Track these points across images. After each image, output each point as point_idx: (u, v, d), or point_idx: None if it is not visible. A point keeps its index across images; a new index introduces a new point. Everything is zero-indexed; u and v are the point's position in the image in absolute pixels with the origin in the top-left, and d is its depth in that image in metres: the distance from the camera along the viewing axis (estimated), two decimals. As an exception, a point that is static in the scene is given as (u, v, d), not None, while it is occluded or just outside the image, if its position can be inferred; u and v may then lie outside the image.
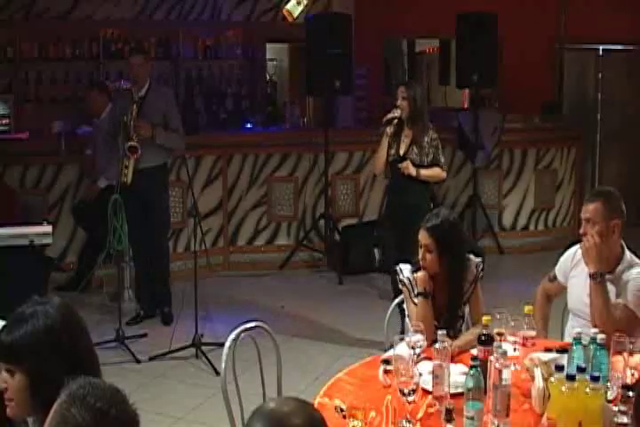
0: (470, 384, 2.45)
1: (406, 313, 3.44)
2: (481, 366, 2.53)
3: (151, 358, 5.10)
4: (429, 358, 2.85)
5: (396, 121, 5.46)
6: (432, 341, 2.92)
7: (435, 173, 5.48)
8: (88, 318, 5.72)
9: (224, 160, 7.09)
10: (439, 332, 2.78)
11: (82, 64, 8.01)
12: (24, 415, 2.10)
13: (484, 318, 2.86)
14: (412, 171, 5.40)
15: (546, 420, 2.41)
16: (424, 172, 5.43)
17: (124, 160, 5.47)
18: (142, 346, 5.28)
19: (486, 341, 2.76)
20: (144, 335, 5.49)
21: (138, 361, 5.07)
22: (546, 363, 2.66)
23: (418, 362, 2.86)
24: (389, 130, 5.48)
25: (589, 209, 3.26)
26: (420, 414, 2.57)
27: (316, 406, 2.16)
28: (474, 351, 2.86)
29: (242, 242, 7.27)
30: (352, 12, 7.88)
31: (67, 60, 7.95)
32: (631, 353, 2.75)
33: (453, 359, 2.86)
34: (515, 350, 2.98)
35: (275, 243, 7.34)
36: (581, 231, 3.31)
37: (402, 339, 2.85)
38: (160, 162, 5.71)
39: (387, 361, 2.87)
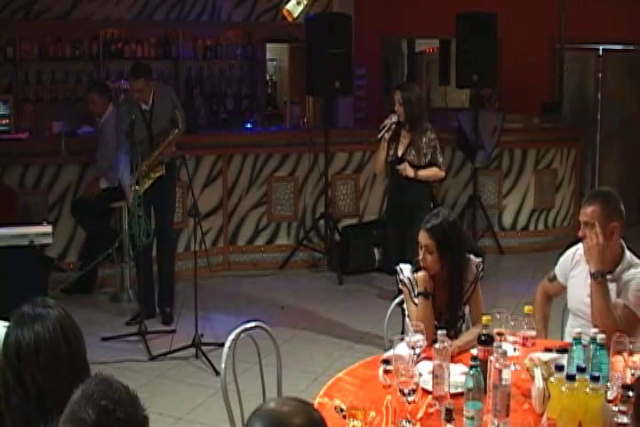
0: (470, 384, 2.45)
1: (406, 313, 3.44)
2: (481, 366, 2.53)
3: (151, 358, 5.10)
4: (429, 358, 2.85)
5: (393, 126, 5.52)
6: (432, 341, 2.92)
7: (433, 172, 5.56)
8: (89, 317, 5.74)
9: (224, 160, 7.09)
10: (439, 332, 2.78)
11: (82, 64, 8.03)
12: None
13: (484, 318, 2.85)
14: (410, 173, 5.50)
15: (546, 420, 2.41)
16: (422, 173, 5.51)
17: (145, 174, 5.53)
18: (142, 346, 5.27)
19: (486, 341, 2.77)
20: (172, 331, 5.47)
21: (151, 355, 5.09)
22: (546, 363, 2.66)
23: (418, 362, 2.86)
24: (387, 135, 5.52)
25: (587, 212, 3.23)
26: (419, 415, 2.57)
27: (316, 406, 2.16)
28: (474, 351, 2.86)
29: (242, 242, 7.26)
30: (352, 12, 7.89)
31: (67, 60, 7.96)
32: (631, 353, 2.75)
33: (453, 359, 2.86)
34: (515, 350, 2.97)
35: (275, 243, 7.34)
36: (580, 234, 3.29)
37: (402, 339, 2.86)
38: (168, 159, 5.73)
39: (387, 361, 2.87)
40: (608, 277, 3.19)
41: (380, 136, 5.56)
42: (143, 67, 5.73)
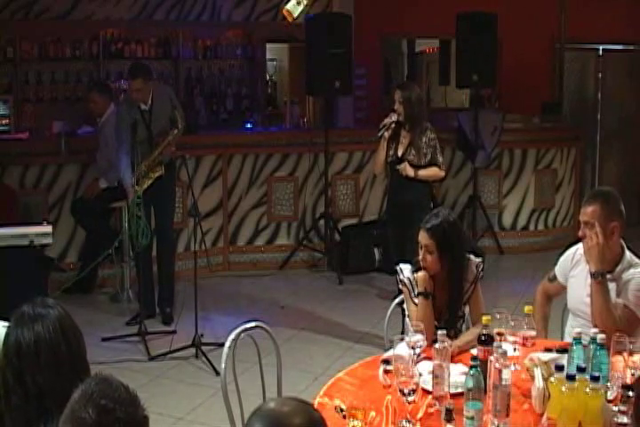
0: (470, 384, 2.45)
1: (406, 313, 3.44)
2: (481, 366, 2.53)
3: (151, 358, 5.10)
4: (429, 358, 2.85)
5: (393, 125, 5.52)
6: (432, 341, 2.92)
7: (433, 172, 5.57)
8: (89, 317, 5.73)
9: (224, 160, 7.09)
10: (439, 332, 2.78)
11: (82, 64, 8.02)
12: None
13: (484, 318, 2.85)
14: (410, 172, 5.51)
15: (546, 420, 2.41)
16: (422, 172, 5.52)
17: (145, 174, 5.52)
18: (142, 346, 5.27)
19: (486, 341, 2.76)
20: (172, 332, 5.46)
21: (150, 355, 5.09)
22: (546, 363, 2.66)
23: (418, 362, 2.86)
24: (387, 134, 5.53)
25: (587, 212, 3.23)
26: (419, 415, 2.57)
27: (316, 406, 2.16)
28: (474, 351, 2.86)
29: (242, 242, 7.26)
30: (352, 12, 7.88)
31: (67, 60, 7.95)
32: (631, 353, 2.75)
33: (453, 359, 2.86)
34: (515, 350, 2.97)
35: (275, 243, 7.34)
36: (580, 234, 3.29)
37: (402, 339, 2.85)
38: (168, 159, 5.74)
39: (387, 361, 2.87)
40: (608, 276, 3.19)
41: (379, 135, 5.57)
42: (141, 66, 5.72)
